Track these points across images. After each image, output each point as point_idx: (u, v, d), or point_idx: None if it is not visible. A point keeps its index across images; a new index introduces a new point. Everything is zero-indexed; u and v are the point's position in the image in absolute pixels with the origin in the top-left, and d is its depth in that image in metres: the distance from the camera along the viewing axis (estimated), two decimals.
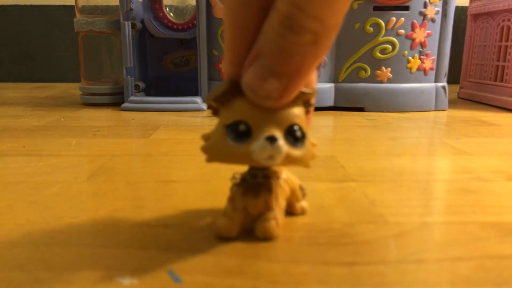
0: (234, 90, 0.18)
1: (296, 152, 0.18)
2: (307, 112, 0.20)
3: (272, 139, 0.17)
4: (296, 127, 0.19)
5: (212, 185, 0.30)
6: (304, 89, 0.18)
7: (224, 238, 0.21)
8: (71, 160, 0.36)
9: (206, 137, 0.19)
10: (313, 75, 0.21)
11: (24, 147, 0.41)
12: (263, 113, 0.18)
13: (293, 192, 0.23)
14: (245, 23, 0.18)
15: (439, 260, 0.19)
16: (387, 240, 0.21)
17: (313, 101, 0.20)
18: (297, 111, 0.19)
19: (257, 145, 0.17)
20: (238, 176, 0.22)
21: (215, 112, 0.19)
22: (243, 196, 0.21)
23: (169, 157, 0.38)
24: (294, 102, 0.19)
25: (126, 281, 0.17)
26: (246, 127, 0.18)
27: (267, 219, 0.21)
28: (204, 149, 0.19)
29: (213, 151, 0.19)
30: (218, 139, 0.19)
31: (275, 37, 0.16)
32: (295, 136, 0.19)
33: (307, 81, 0.20)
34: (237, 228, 0.21)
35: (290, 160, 0.18)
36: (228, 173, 0.32)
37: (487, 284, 0.17)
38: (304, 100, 0.19)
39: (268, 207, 0.21)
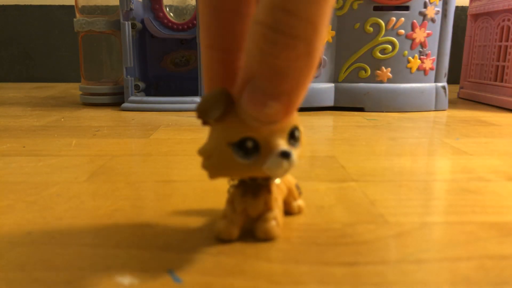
0: (227, 102, 0.17)
1: (296, 154, 0.18)
2: None
3: (286, 155, 0.17)
4: (295, 128, 0.19)
5: (212, 185, 0.30)
6: None
7: (224, 240, 0.21)
8: (71, 160, 0.36)
9: (206, 155, 0.18)
10: None
11: (24, 147, 0.41)
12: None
13: (290, 191, 0.23)
14: (220, 4, 0.17)
15: (439, 260, 0.19)
16: (387, 240, 0.21)
17: None
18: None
19: (273, 163, 0.17)
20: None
21: (205, 123, 0.18)
22: (242, 198, 0.21)
23: (169, 157, 0.38)
24: None
25: (126, 281, 0.17)
26: (253, 143, 0.18)
27: (268, 220, 0.21)
28: (207, 168, 0.18)
29: (219, 169, 0.18)
30: (224, 157, 0.18)
31: (264, 57, 0.15)
32: (294, 137, 0.19)
33: None
34: (238, 230, 0.21)
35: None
36: None
37: (487, 284, 0.17)
38: None
39: (267, 208, 0.21)
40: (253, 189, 0.21)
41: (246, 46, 0.16)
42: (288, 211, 0.24)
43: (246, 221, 0.21)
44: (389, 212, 0.25)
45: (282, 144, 0.18)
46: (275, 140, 0.18)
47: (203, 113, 0.17)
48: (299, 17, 0.14)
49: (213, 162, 0.18)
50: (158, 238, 0.21)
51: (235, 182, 0.21)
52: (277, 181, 0.22)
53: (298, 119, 0.19)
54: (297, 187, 0.24)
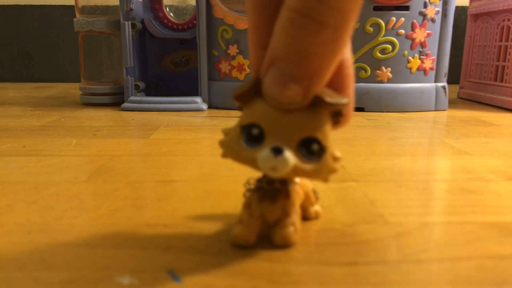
0: (259, 88, 0.18)
1: (307, 166, 0.17)
2: (337, 122, 0.18)
3: (277, 151, 0.17)
4: (312, 140, 0.17)
5: (212, 185, 0.30)
6: (332, 100, 0.17)
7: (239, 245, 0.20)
8: (71, 160, 0.36)
9: (226, 132, 0.19)
10: (351, 84, 0.19)
11: (24, 147, 0.41)
12: (281, 120, 0.17)
13: (307, 197, 0.23)
14: (266, 2, 0.17)
15: (439, 260, 0.19)
16: (387, 240, 0.21)
17: (346, 111, 0.18)
18: (319, 123, 0.18)
19: (262, 155, 0.17)
20: (252, 182, 0.21)
21: (240, 108, 0.19)
22: (260, 203, 0.20)
23: (169, 157, 0.38)
24: (317, 112, 0.17)
25: (126, 281, 0.17)
26: (259, 131, 0.18)
27: (285, 226, 0.20)
28: (221, 144, 0.19)
29: (227, 148, 0.19)
30: (233, 137, 0.18)
31: (290, 40, 0.15)
32: (310, 150, 0.18)
33: (348, 92, 0.19)
34: (254, 235, 0.20)
35: (299, 173, 0.18)
36: (228, 173, 0.32)
37: (487, 284, 0.17)
38: (333, 110, 0.18)
39: (285, 213, 0.20)
40: (271, 194, 0.20)
41: (275, 30, 0.16)
42: (305, 217, 0.23)
43: (263, 226, 0.20)
44: (389, 212, 0.25)
45: (284, 142, 0.17)
46: (279, 136, 0.17)
47: (233, 91, 0.18)
48: (329, 5, 0.15)
49: (226, 141, 0.19)
50: (158, 238, 0.21)
51: (251, 186, 0.21)
52: (297, 180, 0.21)
53: (325, 135, 0.18)
54: (314, 192, 0.23)
